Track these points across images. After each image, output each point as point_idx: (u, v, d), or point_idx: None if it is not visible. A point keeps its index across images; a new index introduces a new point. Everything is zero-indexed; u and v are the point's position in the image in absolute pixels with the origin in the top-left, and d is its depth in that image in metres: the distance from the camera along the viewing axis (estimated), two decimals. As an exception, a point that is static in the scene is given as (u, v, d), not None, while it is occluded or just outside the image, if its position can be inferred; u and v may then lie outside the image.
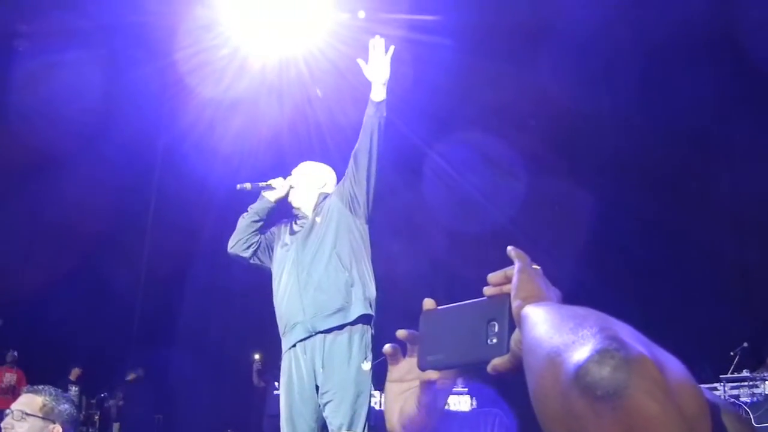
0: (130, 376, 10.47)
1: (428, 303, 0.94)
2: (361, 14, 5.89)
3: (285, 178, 3.62)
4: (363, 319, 3.30)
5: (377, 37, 3.45)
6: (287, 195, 3.59)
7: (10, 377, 9.47)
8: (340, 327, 3.27)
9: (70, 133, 8.64)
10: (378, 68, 3.39)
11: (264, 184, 3.57)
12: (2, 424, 2.25)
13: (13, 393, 9.17)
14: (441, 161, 9.15)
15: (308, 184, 3.61)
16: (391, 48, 3.43)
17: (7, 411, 2.29)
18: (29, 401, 2.32)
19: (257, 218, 3.56)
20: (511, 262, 0.86)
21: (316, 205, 3.55)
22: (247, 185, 3.57)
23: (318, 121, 7.82)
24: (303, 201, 3.58)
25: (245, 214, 3.59)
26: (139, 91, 8.43)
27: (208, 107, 8.35)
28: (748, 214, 7.94)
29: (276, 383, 9.04)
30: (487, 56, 7.30)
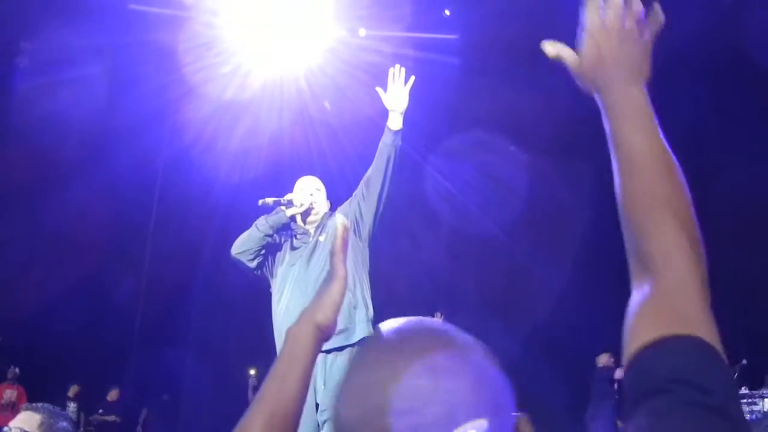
0: (111, 395, 10.48)
1: None
2: (362, 32, 5.95)
3: (294, 192, 3.60)
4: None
5: (397, 66, 3.48)
6: (305, 212, 3.56)
7: (10, 394, 9.45)
8: (341, 348, 3.26)
9: (72, 148, 8.68)
10: (397, 98, 3.42)
11: (285, 200, 3.54)
12: None
13: (13, 409, 9.14)
14: (436, 174, 9.18)
15: (322, 202, 3.62)
16: (412, 78, 3.46)
17: (6, 429, 2.30)
18: (28, 419, 2.33)
19: (271, 232, 3.53)
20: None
21: (320, 224, 3.55)
22: (269, 200, 3.53)
23: (318, 136, 7.86)
24: (316, 218, 3.58)
25: (259, 224, 3.54)
26: (142, 107, 8.47)
27: (210, 122, 8.39)
28: (749, 228, 7.94)
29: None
30: (485, 72, 7.35)
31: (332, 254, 1.08)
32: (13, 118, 8.45)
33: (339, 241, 1.10)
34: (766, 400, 6.85)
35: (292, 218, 3.55)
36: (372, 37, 6.06)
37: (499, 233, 9.04)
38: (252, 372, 10.15)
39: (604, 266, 8.90)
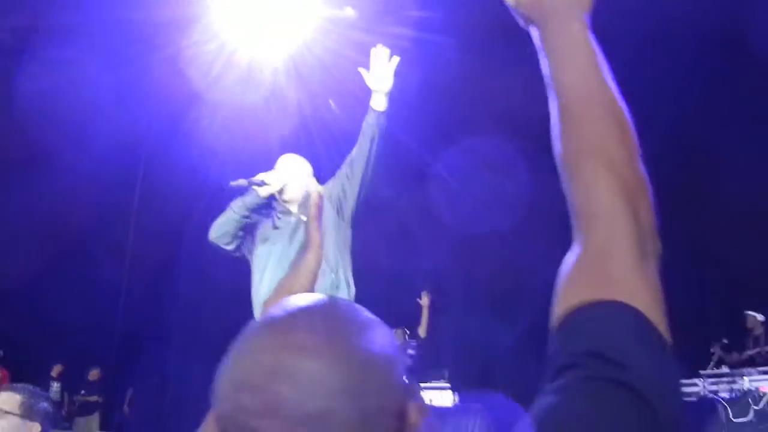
0: (92, 375, 10.47)
1: None
2: (350, 11, 5.89)
3: (272, 171, 3.60)
4: None
5: (380, 45, 3.44)
6: (279, 190, 3.56)
7: (-6, 376, 9.41)
8: None
9: (55, 129, 8.59)
10: (381, 78, 3.38)
11: (258, 179, 3.53)
12: None
13: (-3, 392, 9.11)
14: (436, 164, 9.17)
15: (301, 180, 3.59)
16: (396, 58, 3.42)
17: None
18: (8, 399, 2.32)
19: (247, 213, 3.53)
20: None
21: (302, 203, 3.54)
22: (243, 182, 3.51)
23: (304, 116, 7.82)
24: (296, 196, 3.56)
25: (234, 206, 3.54)
26: (125, 87, 8.39)
27: (195, 103, 8.32)
28: (734, 210, 8.00)
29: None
30: (479, 52, 7.32)
31: (307, 222, 1.07)
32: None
33: (313, 209, 1.09)
34: (746, 378, 6.94)
35: (273, 197, 3.54)
36: (361, 17, 6.00)
37: (495, 223, 9.05)
38: None
39: None
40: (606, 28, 1.00)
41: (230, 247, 3.55)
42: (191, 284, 10.84)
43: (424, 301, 8.10)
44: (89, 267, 10.37)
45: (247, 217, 3.53)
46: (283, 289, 1.04)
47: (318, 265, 1.04)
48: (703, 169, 8.37)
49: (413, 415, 0.62)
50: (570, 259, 0.74)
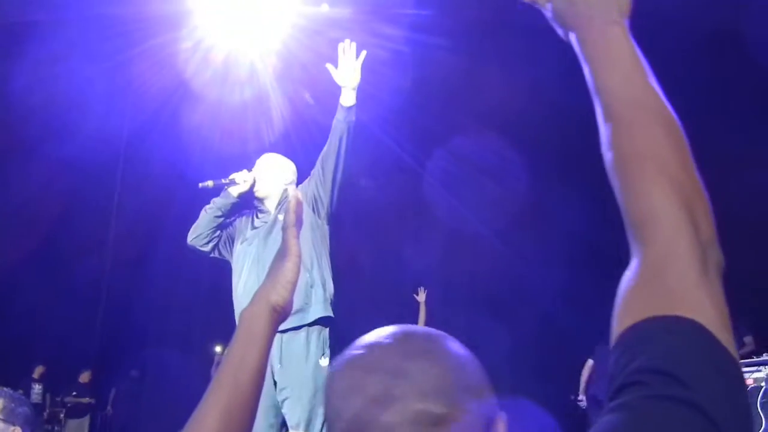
0: (83, 377, 10.42)
1: None
2: (325, 7, 5.89)
3: (249, 170, 3.60)
4: (321, 320, 3.32)
5: (347, 41, 3.44)
6: (251, 188, 3.55)
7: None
8: (297, 328, 3.27)
9: (33, 122, 8.51)
10: (348, 73, 3.38)
11: (227, 180, 3.52)
12: None
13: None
14: (422, 160, 9.18)
15: (274, 177, 3.59)
16: (363, 53, 3.43)
17: None
18: None
19: (219, 213, 3.53)
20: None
21: (280, 202, 3.54)
22: (209, 183, 3.52)
23: (281, 113, 7.81)
24: (268, 193, 3.56)
25: (207, 207, 3.55)
26: (103, 81, 8.32)
27: (172, 98, 8.27)
28: (736, 214, 8.03)
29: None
30: (468, 52, 7.33)
31: (284, 230, 1.07)
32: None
33: (291, 216, 1.09)
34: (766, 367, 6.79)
35: (253, 196, 3.55)
36: (337, 13, 6.00)
37: (489, 226, 9.07)
38: (218, 349, 10.13)
39: (600, 261, 9.00)
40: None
41: (206, 249, 3.55)
42: (171, 280, 10.80)
43: (421, 296, 8.12)
44: (69, 265, 10.29)
45: (220, 217, 3.52)
46: (260, 299, 1.03)
47: (297, 274, 1.05)
48: (707, 171, 8.38)
49: (500, 426, 0.69)
50: (629, 272, 0.72)
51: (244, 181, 3.53)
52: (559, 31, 0.91)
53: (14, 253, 9.28)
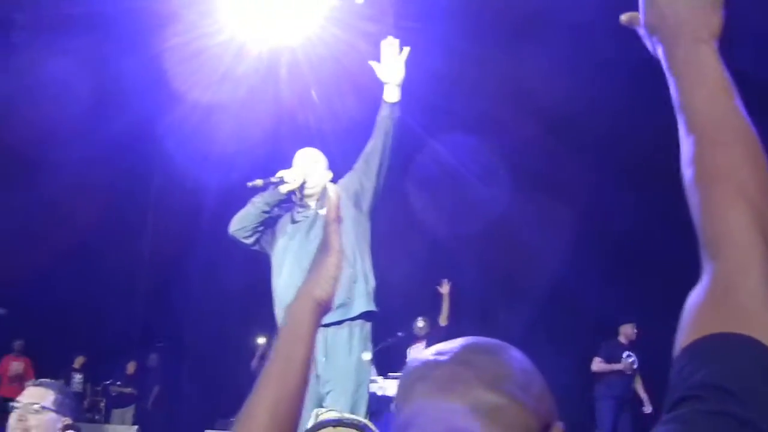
0: (129, 368, 10.58)
1: None
2: (359, 0, 5.88)
3: (293, 169, 3.59)
4: (364, 315, 3.34)
5: (390, 38, 3.44)
6: (301, 186, 3.56)
7: (17, 366, 9.55)
8: (340, 322, 3.30)
9: (68, 116, 8.64)
10: (392, 70, 3.38)
11: (276, 179, 3.53)
12: (15, 417, 2.31)
13: (20, 381, 9.27)
14: (438, 152, 9.14)
15: (320, 174, 3.61)
16: (406, 49, 3.42)
17: (17, 404, 2.34)
18: (42, 394, 2.40)
19: (267, 209, 3.54)
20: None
21: (320, 196, 3.56)
22: (258, 182, 3.53)
23: (315, 107, 7.83)
24: (314, 192, 3.58)
25: (255, 200, 3.55)
26: (136, 77, 8.42)
27: (207, 92, 8.34)
28: None
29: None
30: (482, 43, 7.27)
31: (326, 226, 1.09)
32: (10, 87, 8.42)
33: (332, 213, 1.11)
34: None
35: (291, 192, 3.56)
36: (370, 5, 5.99)
37: (504, 207, 9.02)
38: (260, 341, 10.13)
39: (612, 242, 8.93)
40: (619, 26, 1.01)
41: (249, 241, 3.58)
42: (210, 270, 10.90)
43: (445, 288, 8.10)
44: (108, 256, 10.46)
45: (267, 212, 3.55)
46: (304, 295, 1.06)
47: (339, 269, 1.08)
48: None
49: None
50: (698, 288, 0.73)
51: (294, 180, 3.53)
52: (648, 44, 0.92)
53: (54, 245, 9.46)
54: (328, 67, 6.78)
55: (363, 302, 3.32)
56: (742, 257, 0.70)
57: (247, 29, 6.56)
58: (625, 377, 7.95)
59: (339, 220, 1.13)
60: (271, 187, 3.53)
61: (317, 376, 3.30)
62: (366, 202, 3.46)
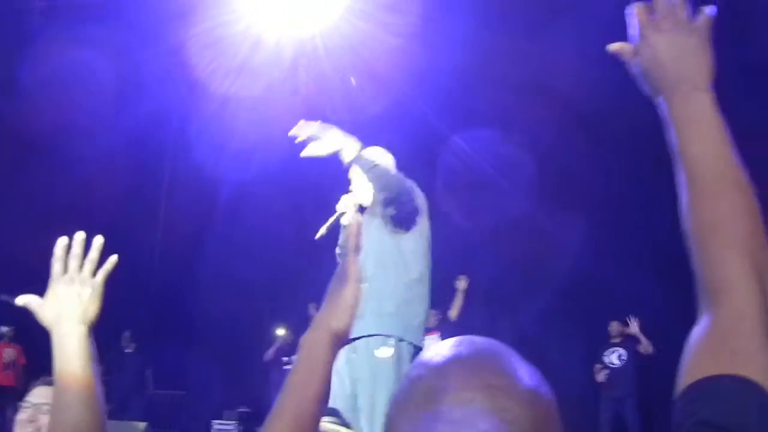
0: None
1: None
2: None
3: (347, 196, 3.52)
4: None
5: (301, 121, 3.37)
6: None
7: (10, 353, 9.53)
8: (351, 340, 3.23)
9: (83, 109, 8.68)
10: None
11: (334, 217, 3.45)
12: (24, 416, 2.26)
13: (14, 368, 9.29)
14: (456, 144, 9.06)
15: (363, 184, 3.46)
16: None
17: (27, 404, 2.29)
18: (49, 394, 2.32)
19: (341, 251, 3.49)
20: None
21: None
22: (323, 230, 3.44)
23: (333, 97, 7.79)
24: (366, 201, 3.50)
25: (337, 253, 3.52)
26: (153, 68, 8.43)
27: (224, 81, 8.32)
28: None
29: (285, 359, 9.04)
30: (504, 31, 7.19)
31: (345, 255, 1.05)
32: (31, 75, 8.47)
33: (352, 241, 1.07)
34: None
35: (360, 208, 3.50)
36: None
37: (521, 199, 8.95)
38: (279, 332, 9.98)
39: (626, 234, 8.83)
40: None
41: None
42: (225, 260, 10.86)
43: (462, 284, 8.04)
44: (122, 244, 10.47)
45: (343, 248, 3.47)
46: (321, 325, 1.02)
47: (357, 300, 1.03)
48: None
49: None
50: (697, 331, 0.77)
51: (349, 207, 3.46)
52: (647, 91, 0.94)
53: (68, 234, 9.49)
54: (348, 58, 6.72)
55: (369, 323, 3.13)
56: (739, 303, 0.75)
57: (265, 19, 6.52)
58: (615, 375, 7.93)
59: (358, 249, 1.07)
60: (337, 226, 3.43)
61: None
62: (389, 225, 3.32)
